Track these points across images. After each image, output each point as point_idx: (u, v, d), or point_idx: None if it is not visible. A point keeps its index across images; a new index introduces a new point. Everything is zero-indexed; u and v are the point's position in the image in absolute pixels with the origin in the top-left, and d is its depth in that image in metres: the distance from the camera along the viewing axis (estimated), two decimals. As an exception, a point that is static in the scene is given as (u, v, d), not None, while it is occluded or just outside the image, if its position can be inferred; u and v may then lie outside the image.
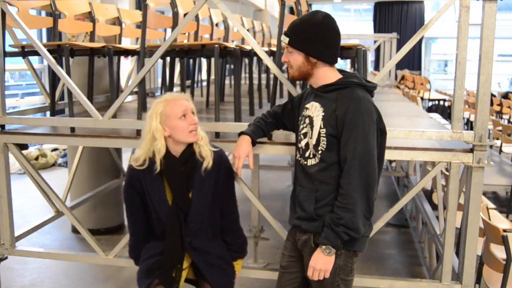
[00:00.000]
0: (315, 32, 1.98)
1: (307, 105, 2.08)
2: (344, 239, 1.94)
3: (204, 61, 5.56)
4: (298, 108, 2.20)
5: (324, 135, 1.97)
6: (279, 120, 2.35)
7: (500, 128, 6.41)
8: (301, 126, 2.10)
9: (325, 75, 2.03)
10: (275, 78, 2.77)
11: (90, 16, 3.71)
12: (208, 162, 2.24)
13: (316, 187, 2.03)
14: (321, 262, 1.97)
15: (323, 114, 1.99)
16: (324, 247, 1.96)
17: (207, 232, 2.35)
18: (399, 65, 12.03)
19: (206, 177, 2.26)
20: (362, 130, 1.90)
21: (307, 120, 2.06)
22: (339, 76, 2.04)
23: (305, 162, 2.06)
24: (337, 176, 1.97)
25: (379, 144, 1.99)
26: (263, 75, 4.98)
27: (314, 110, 2.03)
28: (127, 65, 5.66)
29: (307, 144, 2.06)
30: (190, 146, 2.25)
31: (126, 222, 4.90)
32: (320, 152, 1.99)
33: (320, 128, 1.98)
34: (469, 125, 8.90)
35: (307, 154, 2.06)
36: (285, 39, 2.04)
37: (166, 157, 2.22)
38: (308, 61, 2.01)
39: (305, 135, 2.07)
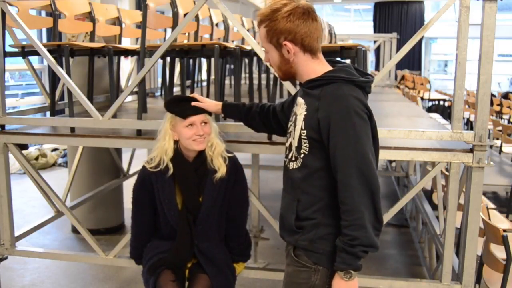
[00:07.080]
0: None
1: (297, 100, 1.84)
2: (362, 258, 1.67)
3: (204, 61, 5.56)
4: (288, 107, 2.00)
5: (305, 137, 1.71)
6: (267, 116, 2.14)
7: (500, 128, 6.40)
8: (289, 123, 1.85)
9: (309, 68, 1.75)
10: (275, 78, 2.77)
11: (90, 16, 3.71)
12: (221, 173, 2.26)
13: (297, 196, 1.78)
14: None
15: (305, 113, 1.72)
16: (342, 273, 1.67)
17: (215, 236, 2.36)
18: (399, 65, 12.00)
19: (217, 182, 2.28)
20: (353, 132, 1.62)
21: (293, 118, 1.82)
22: (328, 68, 1.76)
23: (288, 165, 1.83)
24: (321, 186, 1.73)
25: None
26: (263, 75, 4.98)
27: (299, 107, 1.77)
28: (127, 65, 5.66)
29: (290, 145, 1.81)
30: (202, 152, 2.27)
31: (126, 222, 4.94)
32: (302, 155, 1.74)
33: (301, 129, 1.72)
34: (469, 125, 8.89)
35: (290, 156, 1.81)
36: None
37: (179, 161, 2.26)
38: (282, 54, 1.75)
39: (290, 134, 1.83)
